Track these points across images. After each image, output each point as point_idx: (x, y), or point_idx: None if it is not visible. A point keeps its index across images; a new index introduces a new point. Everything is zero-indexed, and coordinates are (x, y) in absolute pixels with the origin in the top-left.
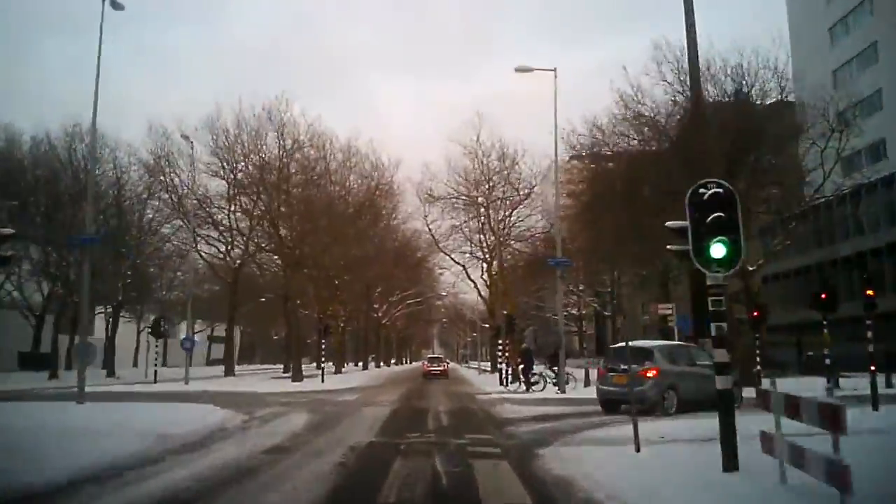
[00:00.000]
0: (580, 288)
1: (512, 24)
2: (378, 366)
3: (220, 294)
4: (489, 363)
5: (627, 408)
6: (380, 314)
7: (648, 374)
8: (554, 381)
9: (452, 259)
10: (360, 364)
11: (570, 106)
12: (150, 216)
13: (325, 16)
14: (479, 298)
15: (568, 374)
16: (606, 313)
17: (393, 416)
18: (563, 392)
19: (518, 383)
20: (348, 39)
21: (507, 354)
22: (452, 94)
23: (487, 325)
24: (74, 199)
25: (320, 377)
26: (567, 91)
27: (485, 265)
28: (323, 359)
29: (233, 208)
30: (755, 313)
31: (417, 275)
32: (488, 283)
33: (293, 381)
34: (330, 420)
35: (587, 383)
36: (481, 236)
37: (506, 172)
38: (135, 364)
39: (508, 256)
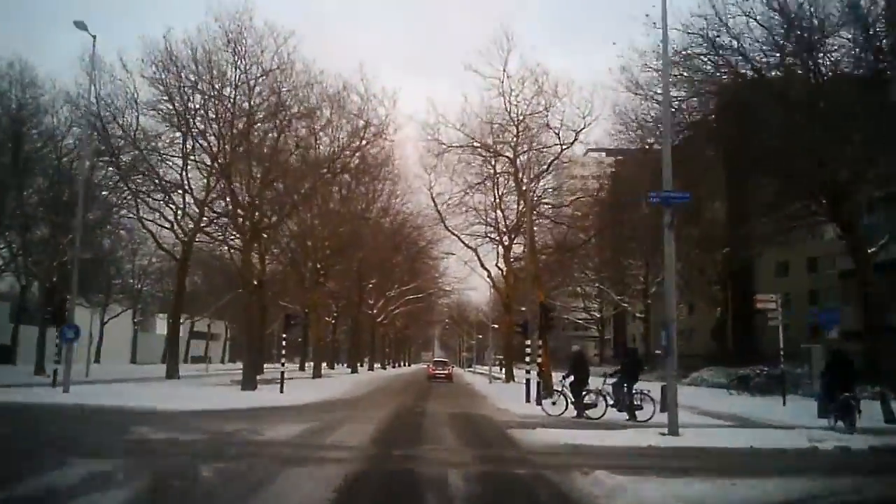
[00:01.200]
0: (599, 285)
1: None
2: (371, 368)
3: (202, 284)
4: (499, 367)
5: None
6: (375, 311)
7: None
8: (616, 404)
9: (462, 241)
10: (360, 365)
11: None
12: (98, 180)
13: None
14: (492, 291)
15: (640, 393)
16: (638, 314)
17: None
18: (675, 433)
19: (564, 403)
20: (358, 41)
21: (539, 361)
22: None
23: (496, 327)
24: None
25: (279, 385)
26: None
27: (501, 249)
28: (283, 360)
29: (188, 165)
30: None
31: (419, 266)
32: (504, 271)
33: (244, 389)
34: None
35: (664, 407)
36: (498, 212)
37: (544, 113)
38: (97, 360)
39: (536, 229)
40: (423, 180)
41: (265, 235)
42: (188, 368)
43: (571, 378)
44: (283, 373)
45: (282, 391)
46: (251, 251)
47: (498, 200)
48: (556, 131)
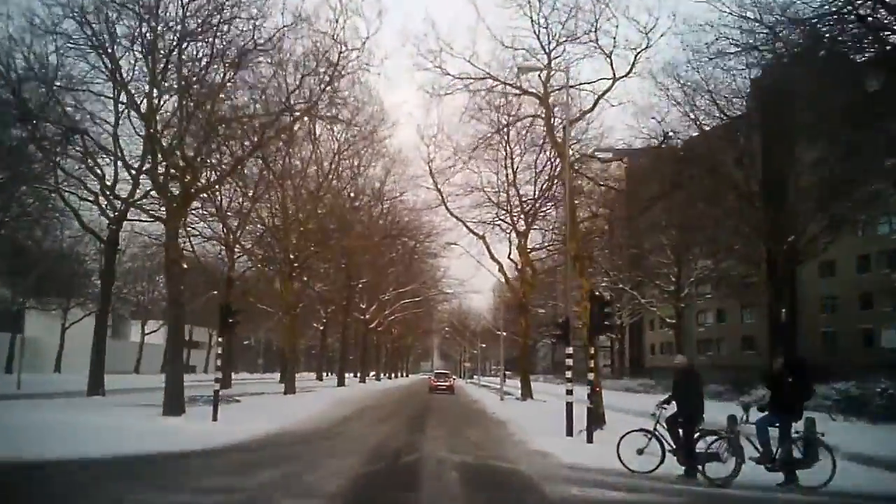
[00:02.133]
0: (622, 286)
1: None
2: (363, 380)
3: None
4: (504, 379)
5: None
6: (367, 316)
7: None
8: (763, 456)
9: (467, 227)
10: (353, 376)
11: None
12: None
13: None
14: (497, 297)
15: (813, 436)
16: (669, 319)
17: None
18: None
19: (659, 450)
20: None
21: (592, 374)
22: None
23: (504, 334)
24: None
25: (213, 410)
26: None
27: (514, 235)
28: (218, 373)
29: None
30: None
31: (416, 267)
32: (520, 263)
33: (166, 414)
34: None
35: (815, 454)
36: (512, 190)
37: (587, 35)
38: (57, 369)
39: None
40: (420, 153)
41: (237, 223)
42: (161, 379)
43: (675, 405)
44: (216, 391)
45: (215, 419)
46: (179, 223)
47: (512, 175)
48: (608, 53)
